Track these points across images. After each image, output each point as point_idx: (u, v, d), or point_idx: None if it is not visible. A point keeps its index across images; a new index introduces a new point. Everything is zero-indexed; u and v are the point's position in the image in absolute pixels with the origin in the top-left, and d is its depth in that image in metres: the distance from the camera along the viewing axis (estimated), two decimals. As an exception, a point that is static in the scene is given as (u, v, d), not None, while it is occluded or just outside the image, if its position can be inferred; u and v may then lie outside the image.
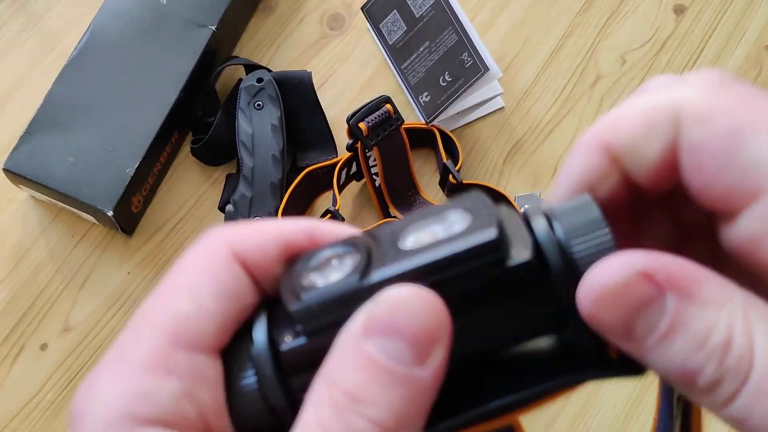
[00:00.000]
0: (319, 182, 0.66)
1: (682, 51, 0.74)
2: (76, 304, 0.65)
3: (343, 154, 0.66)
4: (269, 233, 0.23)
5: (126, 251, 0.67)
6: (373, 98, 0.63)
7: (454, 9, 0.67)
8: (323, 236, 0.23)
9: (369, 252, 0.21)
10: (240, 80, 0.68)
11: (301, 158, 0.68)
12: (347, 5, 0.75)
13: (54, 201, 0.66)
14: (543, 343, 0.23)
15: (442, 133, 0.69)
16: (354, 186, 0.69)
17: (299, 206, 0.66)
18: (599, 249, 0.21)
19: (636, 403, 0.64)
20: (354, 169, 0.67)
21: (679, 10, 0.76)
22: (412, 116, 0.71)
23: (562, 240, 0.21)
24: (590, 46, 0.74)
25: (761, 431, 0.19)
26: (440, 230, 0.21)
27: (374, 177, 0.67)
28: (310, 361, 0.21)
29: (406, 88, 0.70)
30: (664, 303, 0.19)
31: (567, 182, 0.23)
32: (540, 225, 0.21)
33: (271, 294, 0.23)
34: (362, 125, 0.62)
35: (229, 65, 0.70)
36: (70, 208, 0.66)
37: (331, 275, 0.21)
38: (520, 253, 0.21)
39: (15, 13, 0.74)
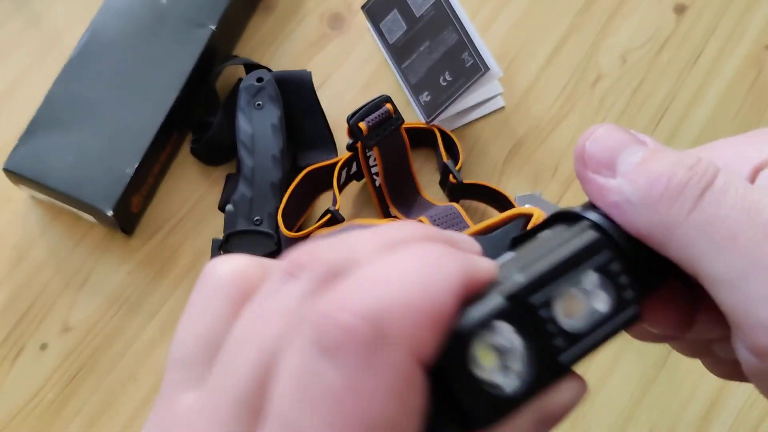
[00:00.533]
0: (320, 182, 0.66)
1: (683, 51, 0.74)
2: (76, 304, 0.65)
3: (343, 154, 0.66)
4: (438, 322, 0.18)
5: (126, 251, 0.67)
6: (373, 98, 0.63)
7: (455, 8, 0.67)
8: (474, 290, 0.20)
9: (536, 340, 0.21)
10: (240, 80, 0.68)
11: (301, 158, 0.68)
12: (347, 5, 0.75)
13: (54, 201, 0.66)
14: None
15: (443, 133, 0.69)
16: (354, 186, 0.69)
17: (299, 206, 0.66)
18: None
19: (637, 402, 0.64)
20: (354, 168, 0.67)
21: (680, 10, 0.76)
22: (413, 116, 0.71)
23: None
24: (591, 45, 0.74)
25: (726, 229, 0.20)
26: (584, 303, 0.22)
27: (374, 177, 0.67)
28: None
29: (407, 87, 0.70)
30: (644, 144, 0.23)
31: None
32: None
33: None
34: (362, 125, 0.62)
35: (229, 65, 0.70)
36: (70, 208, 0.66)
37: (508, 373, 0.20)
38: (629, 311, 0.22)
39: (15, 12, 0.74)
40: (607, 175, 0.23)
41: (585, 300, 0.22)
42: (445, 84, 0.67)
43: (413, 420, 0.17)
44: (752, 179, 0.23)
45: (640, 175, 0.22)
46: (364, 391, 0.17)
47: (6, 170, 0.64)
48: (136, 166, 0.64)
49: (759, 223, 0.20)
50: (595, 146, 0.23)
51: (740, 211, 0.20)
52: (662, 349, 0.65)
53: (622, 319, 0.22)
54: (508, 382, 0.20)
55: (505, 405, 0.20)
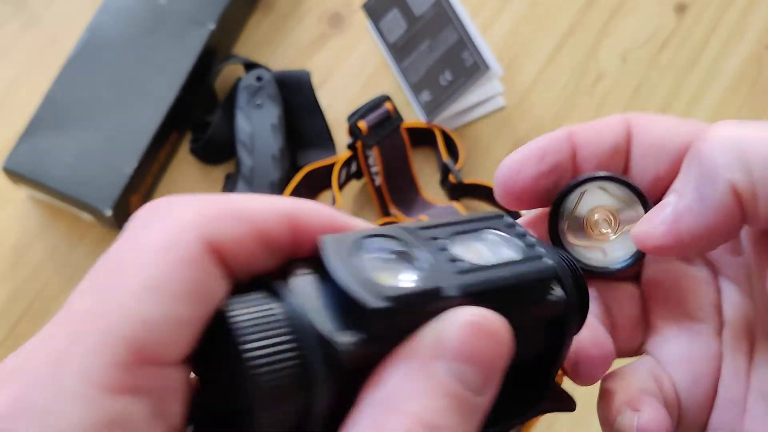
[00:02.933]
0: (319, 181, 0.66)
1: (684, 50, 0.74)
2: (75, 304, 0.65)
3: (343, 154, 0.66)
4: (246, 222, 0.20)
5: (125, 251, 0.67)
6: (373, 97, 0.63)
7: (455, 7, 0.67)
8: (306, 225, 0.21)
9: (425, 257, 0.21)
10: (239, 79, 0.68)
11: (301, 157, 0.68)
12: (347, 4, 0.75)
13: (53, 201, 0.66)
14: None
15: (443, 132, 0.68)
16: (354, 185, 0.69)
17: (299, 206, 0.66)
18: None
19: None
20: (354, 168, 0.67)
21: (681, 9, 0.76)
22: (413, 115, 0.70)
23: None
24: (591, 44, 0.74)
25: None
26: (486, 250, 0.22)
27: (374, 176, 0.66)
28: (364, 364, 0.19)
29: (407, 87, 0.70)
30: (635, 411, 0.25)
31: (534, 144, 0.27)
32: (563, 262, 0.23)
33: (240, 277, 0.20)
34: (362, 124, 0.62)
35: (229, 64, 0.70)
36: (69, 207, 0.65)
37: (401, 274, 0.20)
38: (556, 290, 0.22)
39: (15, 12, 0.74)
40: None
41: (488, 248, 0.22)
42: (445, 83, 0.67)
43: (183, 282, 0.18)
44: None
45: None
46: (128, 246, 0.19)
47: (5, 170, 0.64)
48: (135, 165, 0.64)
49: None
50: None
51: None
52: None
53: (532, 267, 0.22)
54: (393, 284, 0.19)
55: (407, 305, 0.19)
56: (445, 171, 0.67)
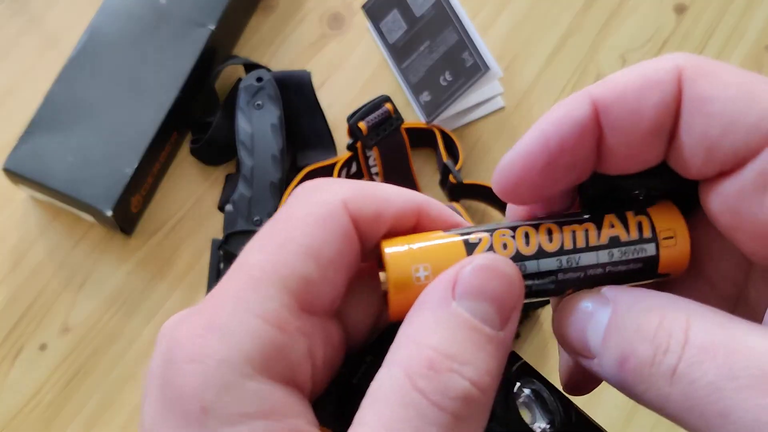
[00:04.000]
0: (319, 182, 0.66)
1: (683, 50, 0.74)
2: (75, 305, 0.65)
3: (343, 154, 0.66)
4: (386, 204, 0.23)
5: (125, 251, 0.67)
6: (373, 98, 0.63)
7: (455, 8, 0.67)
8: (430, 219, 0.23)
9: None
10: (239, 80, 0.68)
11: (301, 158, 0.68)
12: (347, 4, 0.75)
13: (53, 201, 0.66)
14: None
15: (443, 133, 0.69)
16: (354, 186, 0.69)
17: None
18: None
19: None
20: (354, 168, 0.67)
21: (680, 10, 0.76)
22: (413, 116, 0.70)
23: None
24: (591, 45, 0.74)
25: (711, 403, 0.18)
26: None
27: (374, 177, 0.66)
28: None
29: (407, 87, 0.70)
30: (605, 305, 0.21)
31: (541, 127, 0.23)
32: None
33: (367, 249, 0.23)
34: (362, 125, 0.62)
35: (229, 64, 0.70)
36: (70, 208, 0.65)
37: None
38: None
39: (15, 13, 0.74)
40: (587, 356, 0.22)
41: None
42: (445, 84, 0.67)
43: (336, 250, 0.21)
44: None
45: (608, 355, 0.21)
46: (292, 214, 0.22)
47: (6, 170, 0.64)
48: (136, 166, 0.64)
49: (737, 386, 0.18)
50: (562, 332, 0.22)
51: (719, 378, 0.18)
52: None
53: None
54: None
55: None
56: (445, 171, 0.67)
